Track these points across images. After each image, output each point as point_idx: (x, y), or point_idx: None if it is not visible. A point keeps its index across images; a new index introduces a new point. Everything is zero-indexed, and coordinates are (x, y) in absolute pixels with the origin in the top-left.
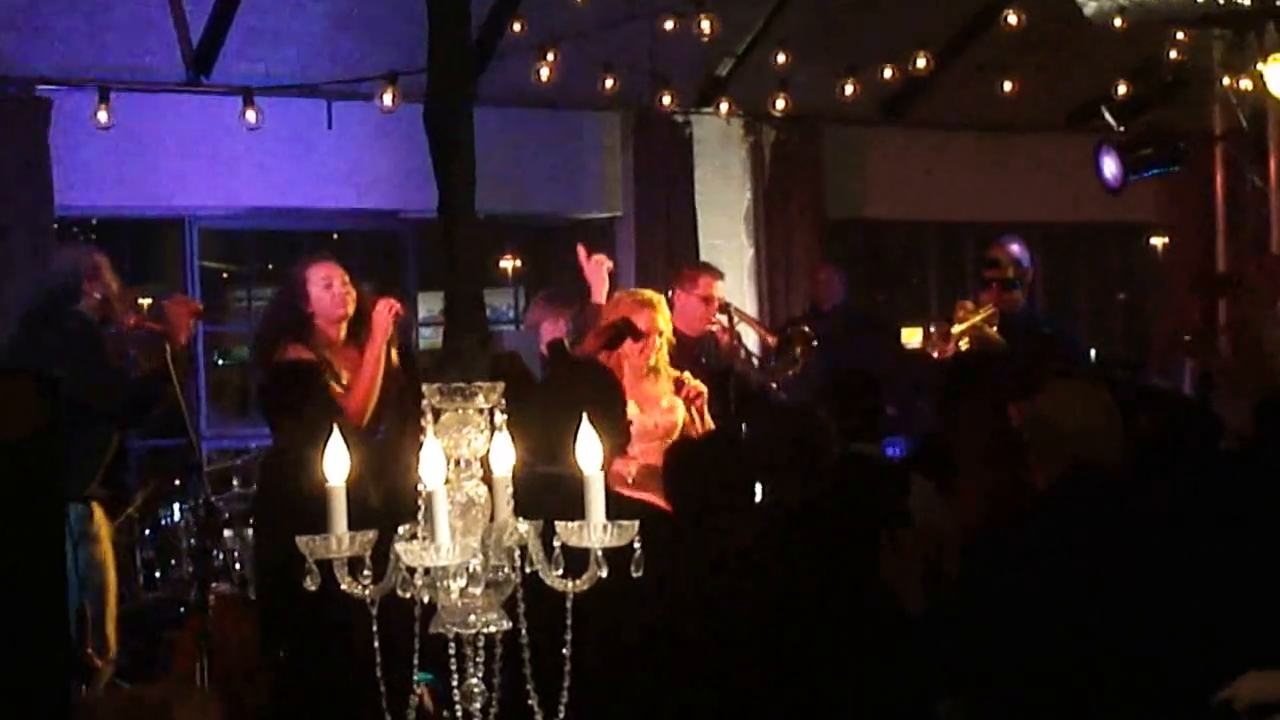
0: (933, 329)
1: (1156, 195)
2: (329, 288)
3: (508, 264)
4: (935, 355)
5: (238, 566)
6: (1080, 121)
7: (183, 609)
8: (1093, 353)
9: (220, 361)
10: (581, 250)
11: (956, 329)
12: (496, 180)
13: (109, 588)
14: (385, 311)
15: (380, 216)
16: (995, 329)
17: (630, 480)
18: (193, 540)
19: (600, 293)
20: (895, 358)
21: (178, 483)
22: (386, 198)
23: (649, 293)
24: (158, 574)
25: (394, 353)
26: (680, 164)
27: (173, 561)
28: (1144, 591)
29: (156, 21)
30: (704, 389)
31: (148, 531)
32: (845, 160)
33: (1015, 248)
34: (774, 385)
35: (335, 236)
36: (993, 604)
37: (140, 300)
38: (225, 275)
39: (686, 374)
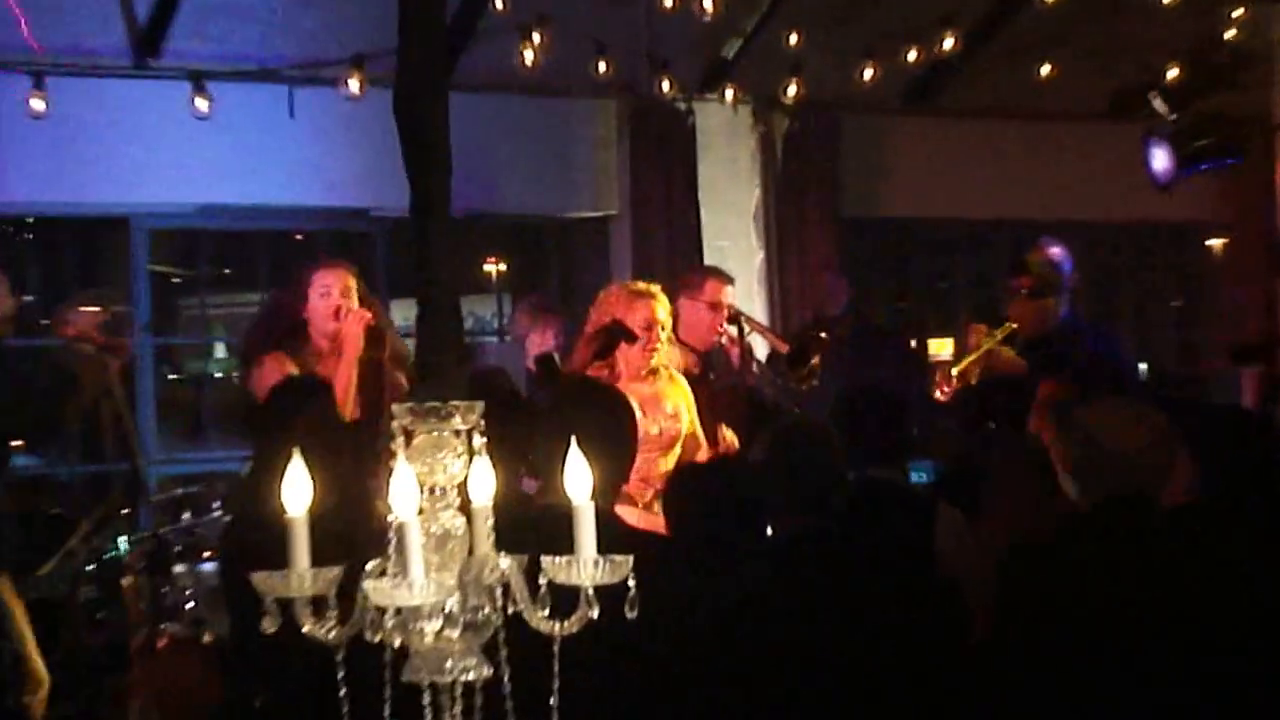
0: (938, 372)
1: (1212, 191)
2: (325, 296)
3: (491, 268)
4: (939, 398)
5: (189, 605)
6: (1127, 109)
7: (129, 653)
8: (1143, 368)
9: (171, 377)
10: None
11: (956, 369)
12: (475, 175)
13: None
14: (354, 325)
15: (348, 215)
16: (1011, 349)
17: (642, 504)
18: (140, 577)
19: None
20: (919, 372)
21: (123, 512)
22: (355, 194)
23: (642, 283)
24: (100, 614)
25: (387, 364)
26: (681, 157)
27: (118, 600)
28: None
29: None
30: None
31: (90, 567)
32: (865, 152)
33: (1054, 251)
34: (794, 404)
35: (299, 237)
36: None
37: (85, 308)
38: (176, 280)
39: (725, 430)
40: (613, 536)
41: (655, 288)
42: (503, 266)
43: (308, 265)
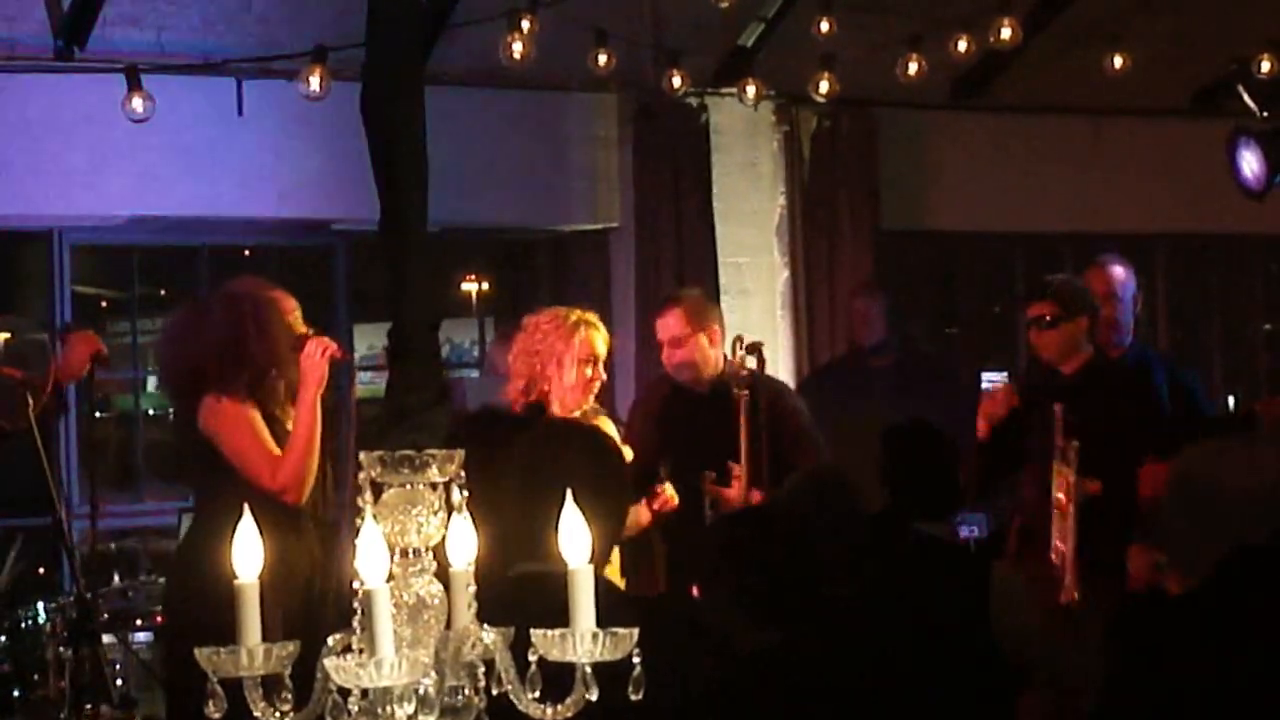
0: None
1: None
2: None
3: (471, 287)
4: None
5: (119, 683)
6: (1211, 105)
7: None
8: (1230, 401)
9: (98, 414)
10: None
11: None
12: (454, 181)
13: None
14: (317, 354)
15: (305, 228)
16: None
17: None
18: (62, 648)
19: None
20: (971, 409)
21: (41, 573)
22: (313, 204)
23: (575, 311)
24: (15, 693)
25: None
26: (693, 160)
27: (35, 676)
28: None
29: None
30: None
31: (2, 638)
32: (906, 155)
33: (1115, 270)
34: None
35: (247, 253)
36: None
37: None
38: (104, 303)
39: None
40: (612, 605)
41: (591, 315)
42: (484, 286)
43: (243, 285)
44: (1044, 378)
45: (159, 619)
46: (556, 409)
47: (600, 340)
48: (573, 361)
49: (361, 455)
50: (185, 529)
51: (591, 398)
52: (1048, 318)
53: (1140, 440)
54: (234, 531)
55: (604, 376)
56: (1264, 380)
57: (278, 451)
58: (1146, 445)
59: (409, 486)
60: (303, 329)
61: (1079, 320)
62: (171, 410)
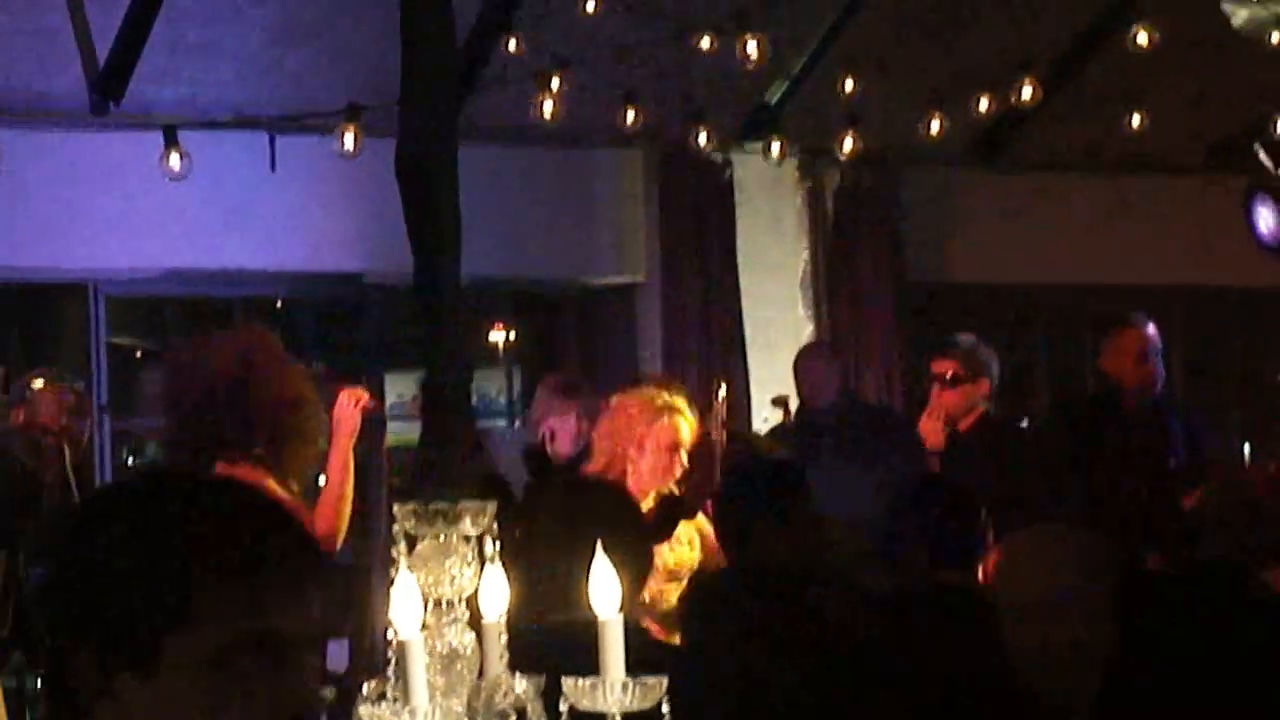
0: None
1: None
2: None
3: (498, 337)
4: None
5: None
6: (1228, 161)
7: None
8: (1246, 449)
9: (131, 460)
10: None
11: None
12: (484, 236)
13: None
14: (350, 405)
15: (337, 281)
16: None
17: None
18: None
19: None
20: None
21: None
22: (345, 257)
23: (664, 394)
24: None
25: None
26: (718, 215)
27: None
28: None
29: (53, 33)
30: None
31: (39, 683)
32: (928, 210)
33: (1149, 328)
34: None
35: (279, 305)
36: None
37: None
38: (138, 354)
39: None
40: (640, 649)
41: (680, 400)
42: (512, 336)
43: (244, 336)
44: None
45: None
46: (635, 489)
47: (686, 427)
48: (655, 447)
49: (396, 507)
50: None
51: (672, 483)
52: (949, 375)
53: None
54: None
55: (685, 464)
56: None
57: (305, 515)
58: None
59: (442, 538)
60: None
61: (980, 382)
62: None
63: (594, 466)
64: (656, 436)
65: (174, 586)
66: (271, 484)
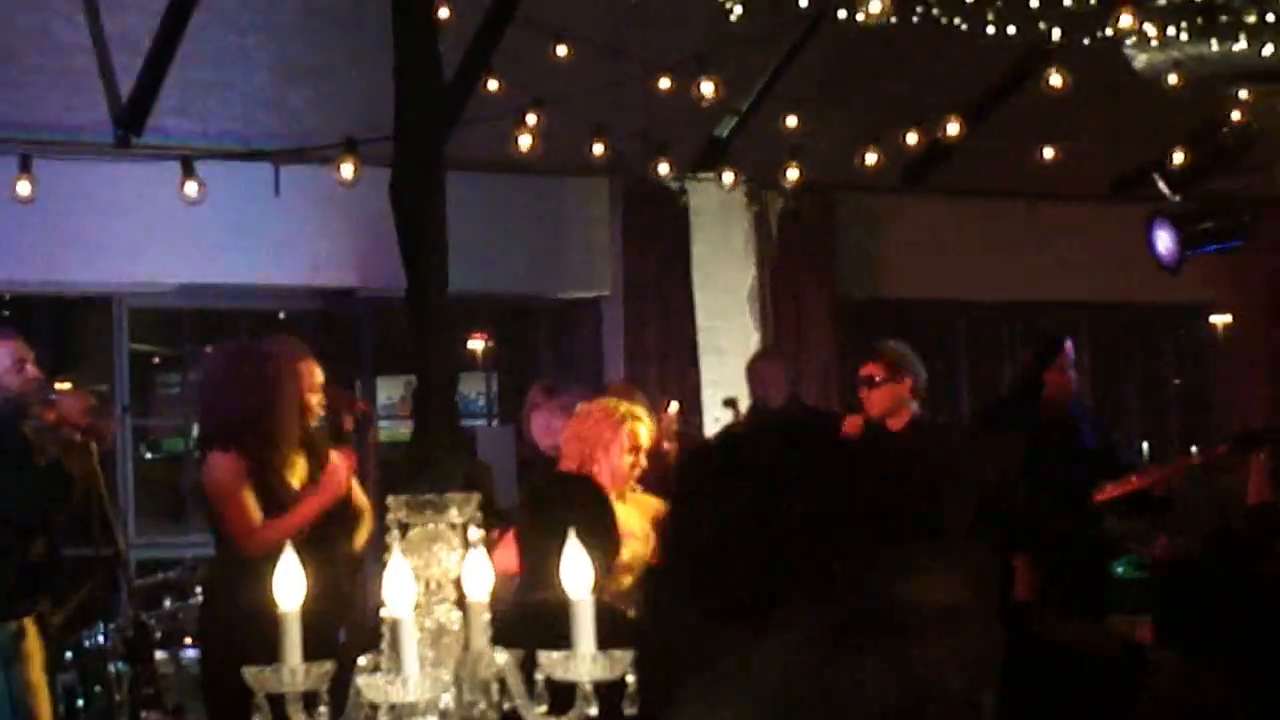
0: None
1: (1215, 272)
2: (315, 392)
3: (476, 345)
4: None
5: (171, 693)
6: (1130, 190)
7: None
8: (1145, 447)
9: (149, 455)
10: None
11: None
12: (465, 255)
13: (42, 715)
14: (342, 469)
15: (334, 295)
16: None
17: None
18: (120, 664)
19: None
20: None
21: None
22: (341, 274)
23: (624, 404)
24: (80, 702)
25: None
26: (676, 236)
27: (97, 688)
28: None
29: (80, 72)
30: None
31: (68, 654)
32: (862, 232)
33: (1069, 345)
34: None
35: (281, 316)
36: None
37: (68, 392)
38: (156, 360)
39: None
40: (614, 626)
41: (639, 408)
42: (490, 343)
43: (270, 345)
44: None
45: None
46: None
47: (645, 432)
48: (620, 450)
49: (389, 498)
50: None
51: (633, 481)
52: (876, 379)
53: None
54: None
55: (644, 464)
56: (1175, 431)
57: (257, 518)
58: None
59: (432, 526)
60: (318, 398)
61: (904, 382)
62: None
63: (565, 466)
64: (620, 441)
65: (819, 547)
66: (245, 483)
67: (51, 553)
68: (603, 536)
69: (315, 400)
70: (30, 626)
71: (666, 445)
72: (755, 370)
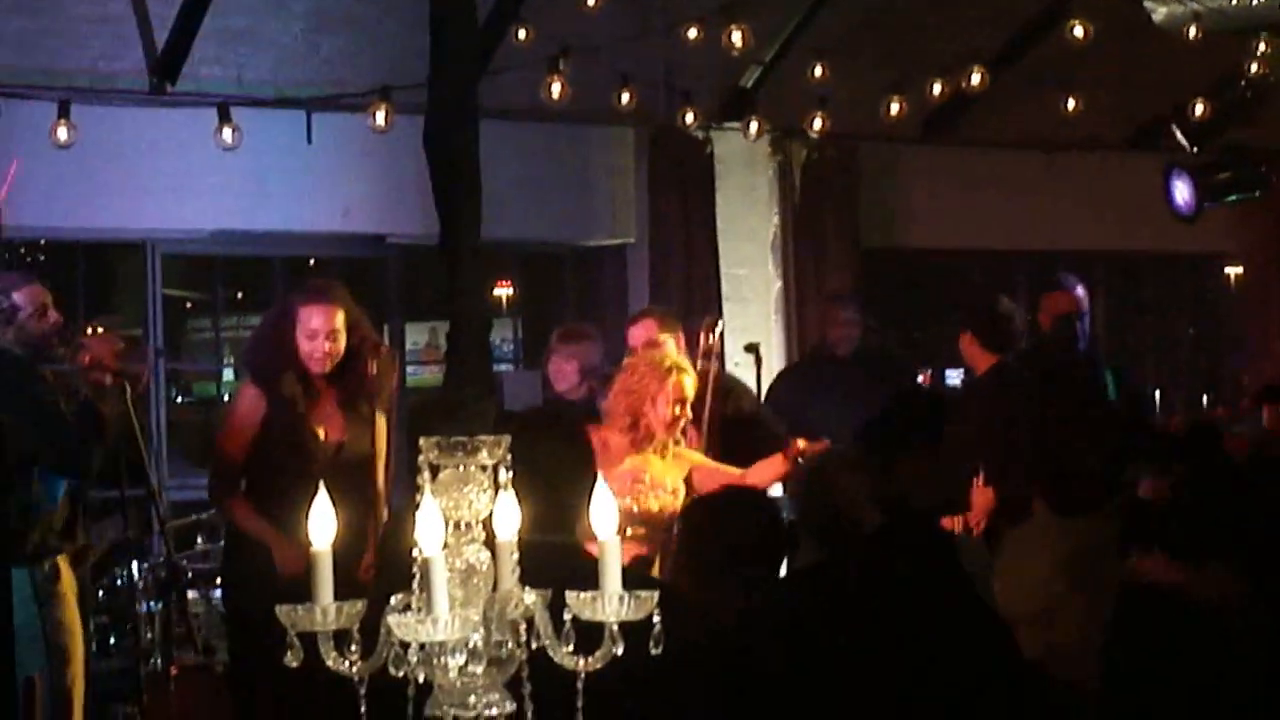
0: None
1: (1231, 223)
2: (313, 339)
3: (502, 292)
4: None
5: (203, 633)
6: (1148, 141)
7: (141, 681)
8: (1157, 394)
9: (180, 399)
10: None
11: None
12: (491, 202)
13: (75, 655)
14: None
15: (364, 242)
16: None
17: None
18: (153, 603)
19: None
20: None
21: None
22: (371, 221)
23: (670, 357)
24: (112, 640)
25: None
26: (700, 185)
27: (129, 627)
28: None
29: (117, 20)
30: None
31: (101, 593)
32: (883, 182)
33: (1079, 290)
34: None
35: (312, 263)
36: None
37: (102, 335)
38: (189, 304)
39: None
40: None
41: (685, 361)
42: (513, 290)
43: (295, 296)
44: None
45: None
46: (647, 437)
47: (689, 384)
48: (666, 401)
49: (421, 441)
50: None
51: (679, 431)
52: None
53: None
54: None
55: (690, 415)
56: (1186, 378)
57: (237, 458)
58: None
59: (462, 468)
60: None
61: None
62: None
63: (616, 421)
64: (666, 392)
65: None
66: (261, 400)
67: (84, 493)
68: (575, 476)
69: (334, 349)
70: (64, 566)
71: (706, 366)
72: (834, 318)
